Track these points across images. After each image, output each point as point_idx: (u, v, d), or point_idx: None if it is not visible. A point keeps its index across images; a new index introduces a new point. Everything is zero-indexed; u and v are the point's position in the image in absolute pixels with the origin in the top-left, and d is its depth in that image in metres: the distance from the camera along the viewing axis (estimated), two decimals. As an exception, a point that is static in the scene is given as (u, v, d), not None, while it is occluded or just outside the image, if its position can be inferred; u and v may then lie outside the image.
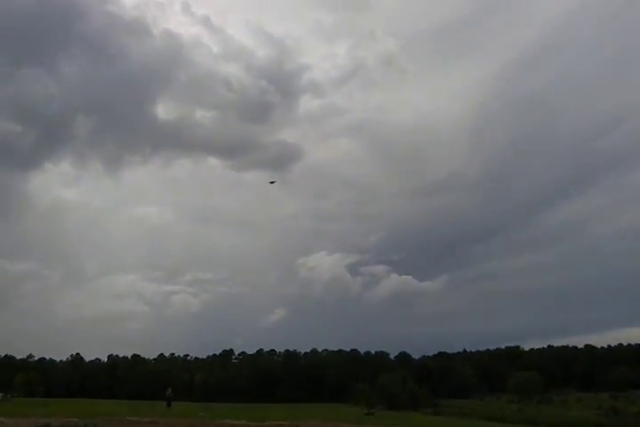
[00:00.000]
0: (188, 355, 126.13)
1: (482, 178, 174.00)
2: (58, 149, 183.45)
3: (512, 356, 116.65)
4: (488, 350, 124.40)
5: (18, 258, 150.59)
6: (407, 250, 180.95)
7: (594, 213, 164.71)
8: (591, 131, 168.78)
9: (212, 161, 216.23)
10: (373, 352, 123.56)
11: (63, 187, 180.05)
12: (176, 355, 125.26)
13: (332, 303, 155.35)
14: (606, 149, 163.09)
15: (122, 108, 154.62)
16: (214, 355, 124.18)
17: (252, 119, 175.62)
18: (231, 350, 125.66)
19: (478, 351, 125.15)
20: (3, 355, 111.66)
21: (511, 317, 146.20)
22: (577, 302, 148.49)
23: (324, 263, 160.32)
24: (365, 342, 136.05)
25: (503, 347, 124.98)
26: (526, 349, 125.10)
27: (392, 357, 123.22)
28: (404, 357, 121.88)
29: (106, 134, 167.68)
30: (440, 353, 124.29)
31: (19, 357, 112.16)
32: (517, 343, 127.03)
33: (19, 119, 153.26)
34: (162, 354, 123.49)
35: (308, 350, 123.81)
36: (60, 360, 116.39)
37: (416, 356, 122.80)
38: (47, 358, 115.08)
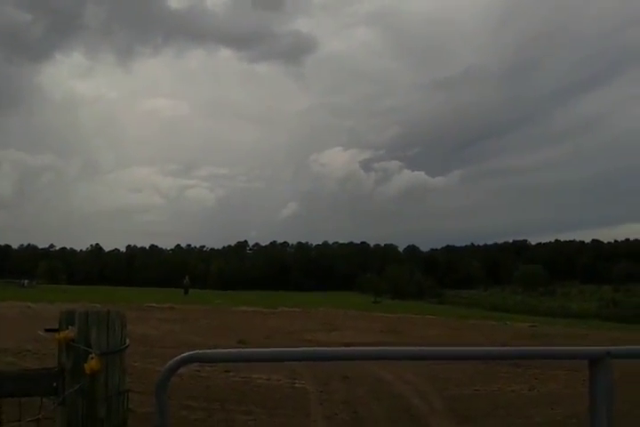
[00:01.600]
0: (204, 246, 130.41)
1: (503, 71, 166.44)
2: (69, 40, 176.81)
3: (519, 249, 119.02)
4: (495, 243, 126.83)
5: (34, 151, 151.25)
6: (422, 145, 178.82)
7: (617, 107, 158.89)
8: (620, 21, 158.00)
9: (225, 52, 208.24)
10: (382, 245, 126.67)
11: (75, 79, 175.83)
12: (192, 246, 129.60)
13: (345, 198, 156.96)
14: (636, 40, 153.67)
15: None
16: (229, 246, 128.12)
17: (264, 6, 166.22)
18: (245, 241, 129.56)
19: (486, 245, 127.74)
20: (26, 244, 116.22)
21: (521, 212, 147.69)
22: (589, 198, 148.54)
23: (338, 159, 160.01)
24: (376, 235, 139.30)
25: (511, 241, 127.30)
26: (533, 243, 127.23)
27: (400, 249, 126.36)
28: (412, 249, 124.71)
29: (116, 24, 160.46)
30: (448, 246, 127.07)
31: (41, 246, 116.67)
32: (525, 238, 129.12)
33: (28, 8, 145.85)
34: (179, 245, 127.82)
35: (320, 243, 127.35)
36: (81, 250, 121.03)
37: (424, 249, 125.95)
38: (68, 247, 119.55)
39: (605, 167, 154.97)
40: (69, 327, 1.84)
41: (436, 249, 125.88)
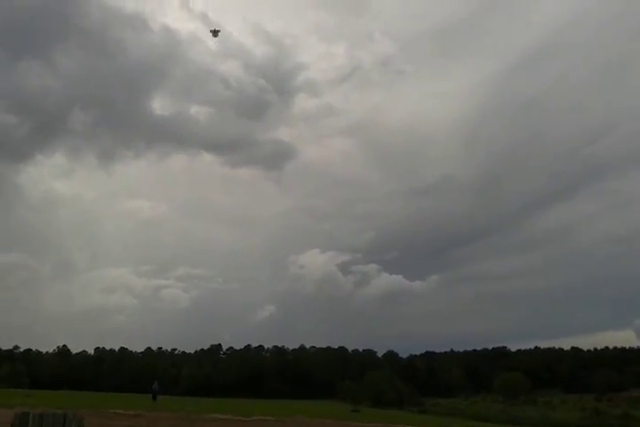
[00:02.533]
0: (175, 349, 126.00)
1: (474, 180, 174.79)
2: (52, 142, 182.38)
3: (498, 356, 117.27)
4: (475, 350, 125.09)
5: (6, 249, 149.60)
6: (398, 250, 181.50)
7: (582, 219, 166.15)
8: (584, 136, 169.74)
9: (207, 156, 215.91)
10: (361, 350, 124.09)
11: (56, 179, 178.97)
12: (163, 349, 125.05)
13: (323, 301, 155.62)
14: (597, 155, 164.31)
15: (118, 103, 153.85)
16: (202, 350, 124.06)
17: (247, 116, 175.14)
18: (219, 345, 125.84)
19: (465, 351, 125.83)
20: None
21: (499, 318, 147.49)
22: (564, 305, 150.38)
23: (316, 261, 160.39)
24: (354, 340, 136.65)
25: (490, 348, 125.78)
26: (513, 350, 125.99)
27: (380, 355, 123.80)
28: (391, 355, 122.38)
29: (101, 128, 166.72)
30: (427, 352, 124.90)
31: (4, 348, 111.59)
32: (504, 344, 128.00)
33: (15, 111, 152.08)
34: (149, 348, 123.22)
35: (297, 347, 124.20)
36: (47, 352, 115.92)
37: (403, 355, 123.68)
38: (34, 349, 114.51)
39: (573, 277, 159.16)
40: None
41: (416, 355, 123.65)
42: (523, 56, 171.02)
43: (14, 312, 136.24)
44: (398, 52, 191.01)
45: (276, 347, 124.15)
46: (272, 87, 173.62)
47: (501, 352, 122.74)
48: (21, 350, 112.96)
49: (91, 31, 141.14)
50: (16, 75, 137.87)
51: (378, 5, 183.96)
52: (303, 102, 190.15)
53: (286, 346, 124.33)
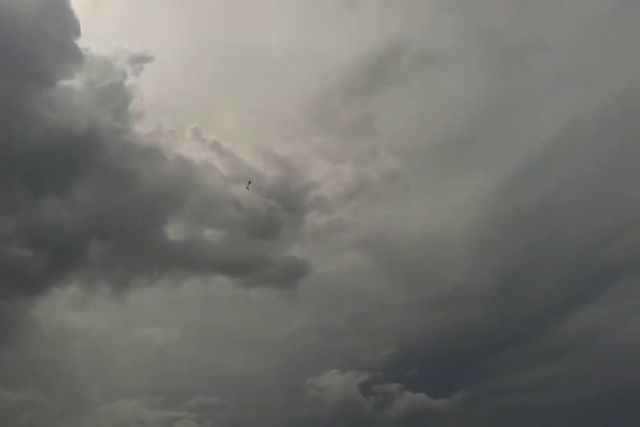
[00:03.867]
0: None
1: (490, 289, 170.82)
2: (67, 274, 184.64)
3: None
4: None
5: (18, 387, 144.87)
6: (419, 365, 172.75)
7: (604, 323, 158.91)
8: (595, 239, 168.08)
9: (220, 279, 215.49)
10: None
11: (69, 310, 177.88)
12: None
13: (345, 425, 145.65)
14: (612, 257, 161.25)
15: (133, 232, 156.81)
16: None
17: (260, 236, 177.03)
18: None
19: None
20: None
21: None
22: (596, 416, 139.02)
23: (335, 383, 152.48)
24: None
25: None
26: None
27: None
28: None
29: (116, 258, 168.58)
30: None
31: None
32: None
33: (30, 246, 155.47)
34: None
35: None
36: None
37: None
38: None
39: (602, 384, 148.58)
40: None
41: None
42: (529, 159, 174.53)
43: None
44: (403, 167, 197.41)
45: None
46: (283, 206, 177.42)
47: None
48: None
49: (108, 165, 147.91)
50: (33, 211, 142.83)
51: (380, 125, 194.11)
52: (314, 219, 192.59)
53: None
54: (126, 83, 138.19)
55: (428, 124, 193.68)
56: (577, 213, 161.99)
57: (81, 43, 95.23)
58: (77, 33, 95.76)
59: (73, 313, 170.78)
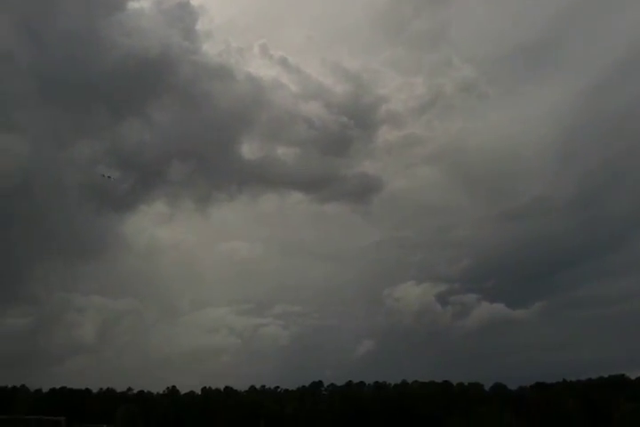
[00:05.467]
0: (278, 387, 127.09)
1: (571, 202, 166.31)
2: (152, 192, 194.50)
3: (617, 385, 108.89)
4: (590, 379, 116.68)
5: (117, 296, 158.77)
6: (497, 277, 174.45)
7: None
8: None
9: (296, 195, 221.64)
10: (466, 384, 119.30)
11: (157, 226, 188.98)
12: (267, 387, 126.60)
13: (422, 334, 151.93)
14: None
15: (210, 151, 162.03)
16: (304, 387, 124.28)
17: (332, 153, 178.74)
18: (320, 381, 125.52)
19: (579, 381, 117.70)
20: (105, 388, 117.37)
21: (612, 344, 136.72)
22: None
23: (412, 293, 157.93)
24: (458, 373, 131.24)
25: (606, 376, 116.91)
26: (632, 378, 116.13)
27: (487, 388, 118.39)
28: (499, 388, 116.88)
29: (196, 176, 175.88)
30: (538, 384, 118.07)
31: (119, 389, 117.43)
32: (622, 372, 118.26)
33: (118, 166, 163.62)
34: (253, 386, 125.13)
35: (399, 382, 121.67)
36: (157, 393, 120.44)
37: (512, 387, 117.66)
38: (145, 390, 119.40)
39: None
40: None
41: (526, 387, 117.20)
42: (613, 64, 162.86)
43: (126, 355, 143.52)
44: (479, 76, 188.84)
45: (377, 382, 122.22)
46: (354, 123, 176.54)
47: (620, 380, 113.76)
48: (135, 391, 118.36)
49: (181, 86, 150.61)
50: (118, 133, 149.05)
51: (453, 33, 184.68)
52: (386, 134, 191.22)
53: (388, 381, 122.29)
54: (193, 2, 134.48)
55: (504, 30, 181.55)
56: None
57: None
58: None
59: (160, 229, 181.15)
